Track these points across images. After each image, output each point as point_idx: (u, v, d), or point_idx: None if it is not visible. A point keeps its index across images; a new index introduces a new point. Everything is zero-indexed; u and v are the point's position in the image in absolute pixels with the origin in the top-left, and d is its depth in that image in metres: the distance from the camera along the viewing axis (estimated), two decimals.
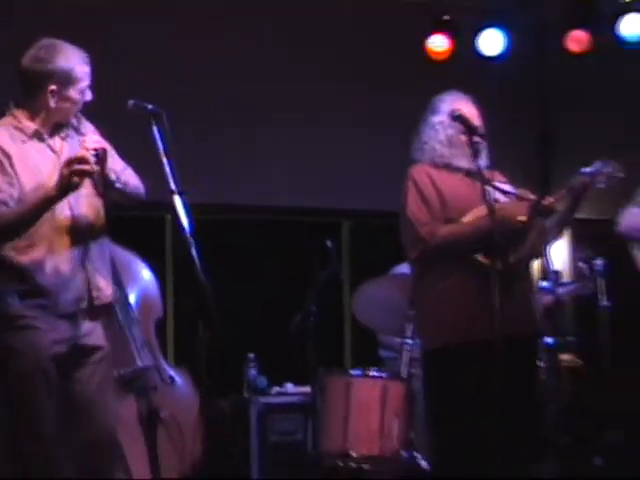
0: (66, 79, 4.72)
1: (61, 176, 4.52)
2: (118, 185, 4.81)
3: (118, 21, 8.45)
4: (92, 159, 4.54)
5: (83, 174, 4.52)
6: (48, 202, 4.59)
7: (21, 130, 4.77)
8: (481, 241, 4.98)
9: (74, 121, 4.87)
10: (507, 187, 5.22)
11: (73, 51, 4.78)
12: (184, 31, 8.73)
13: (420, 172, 5.18)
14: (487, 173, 5.07)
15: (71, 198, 4.71)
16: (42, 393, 4.71)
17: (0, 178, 4.65)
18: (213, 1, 8.84)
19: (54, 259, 4.75)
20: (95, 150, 4.58)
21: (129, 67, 8.19)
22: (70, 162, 4.50)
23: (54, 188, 4.54)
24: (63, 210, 4.74)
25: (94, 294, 4.82)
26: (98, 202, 4.85)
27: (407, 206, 5.14)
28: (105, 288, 4.89)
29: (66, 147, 4.81)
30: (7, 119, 4.79)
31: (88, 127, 4.94)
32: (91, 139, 4.66)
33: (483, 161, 5.09)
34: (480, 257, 5.03)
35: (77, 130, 4.90)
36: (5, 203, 4.62)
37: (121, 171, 4.89)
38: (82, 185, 4.58)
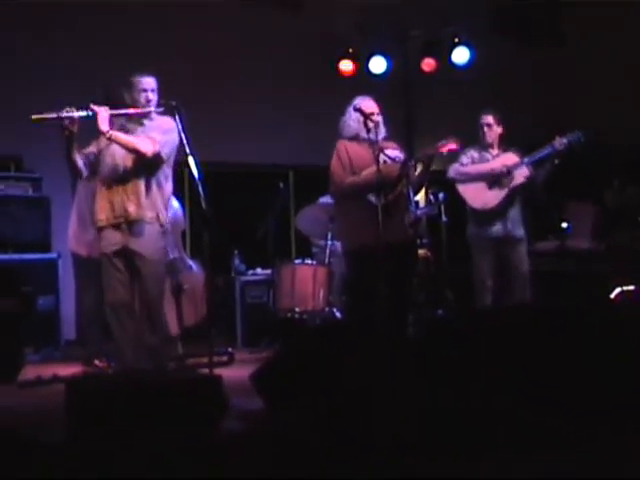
0: (132, 87, 4.80)
1: None
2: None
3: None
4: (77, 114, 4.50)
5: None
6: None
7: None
8: (371, 187, 4.93)
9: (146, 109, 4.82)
10: (393, 153, 5.12)
11: (137, 74, 4.80)
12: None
13: (340, 145, 5.12)
14: (383, 142, 5.07)
15: (115, 156, 4.76)
16: (108, 269, 4.76)
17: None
18: None
19: (106, 193, 4.80)
20: (91, 110, 4.53)
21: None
22: None
23: None
24: (112, 159, 4.81)
25: (124, 214, 4.72)
26: (130, 158, 4.75)
27: (332, 165, 5.10)
28: (132, 211, 4.71)
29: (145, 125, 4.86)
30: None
31: (158, 119, 4.87)
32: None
33: (379, 135, 5.04)
34: (371, 197, 4.96)
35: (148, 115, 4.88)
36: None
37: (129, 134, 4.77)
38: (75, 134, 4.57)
